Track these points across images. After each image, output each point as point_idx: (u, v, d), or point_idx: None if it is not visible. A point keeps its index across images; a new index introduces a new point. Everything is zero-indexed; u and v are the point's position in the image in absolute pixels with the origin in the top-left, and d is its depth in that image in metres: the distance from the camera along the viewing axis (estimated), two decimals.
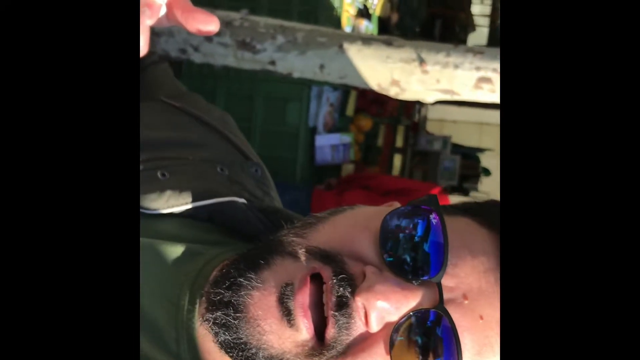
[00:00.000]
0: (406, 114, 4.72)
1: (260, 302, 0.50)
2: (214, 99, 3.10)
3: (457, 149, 6.13)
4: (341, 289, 0.50)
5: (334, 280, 0.50)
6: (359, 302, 0.49)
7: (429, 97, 2.36)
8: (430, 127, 6.73)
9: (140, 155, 0.66)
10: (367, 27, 3.45)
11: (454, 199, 6.86)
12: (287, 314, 0.49)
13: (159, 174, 0.65)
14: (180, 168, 0.67)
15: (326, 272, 0.51)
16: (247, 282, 0.51)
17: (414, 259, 0.51)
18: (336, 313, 0.49)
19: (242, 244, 0.66)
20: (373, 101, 3.54)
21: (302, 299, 0.49)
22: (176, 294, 0.58)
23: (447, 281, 0.50)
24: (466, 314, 0.50)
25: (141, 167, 0.65)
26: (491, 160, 6.60)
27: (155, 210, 0.63)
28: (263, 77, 2.61)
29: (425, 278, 0.50)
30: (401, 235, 0.52)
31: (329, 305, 0.49)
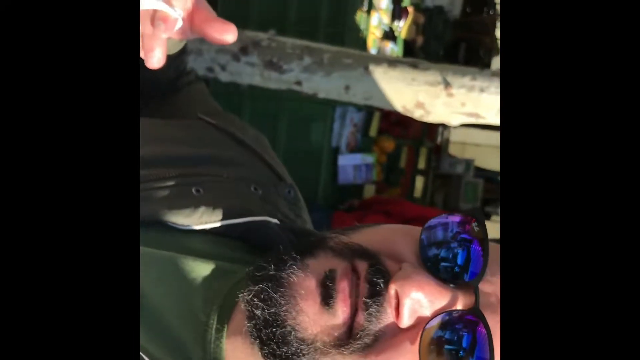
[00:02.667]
0: (429, 136, 4.71)
1: (303, 282, 0.50)
2: (239, 117, 3.13)
3: (480, 172, 6.08)
4: (374, 278, 0.50)
5: (369, 271, 0.50)
6: (392, 289, 0.49)
7: (453, 120, 2.36)
8: (453, 150, 6.70)
9: (176, 171, 0.66)
10: (393, 49, 3.47)
11: None
12: (327, 297, 0.49)
13: (193, 190, 0.65)
14: (214, 185, 0.67)
15: (362, 266, 0.51)
16: (292, 261, 0.52)
17: (452, 262, 0.51)
18: (368, 300, 0.49)
19: None
20: (396, 123, 3.55)
21: (344, 285, 0.49)
22: (205, 313, 0.58)
23: (484, 286, 0.50)
24: (500, 320, 0.48)
25: (174, 182, 0.65)
26: None
27: (187, 226, 0.63)
28: (288, 97, 2.64)
29: (463, 280, 0.50)
30: (441, 240, 0.52)
31: (362, 293, 0.49)
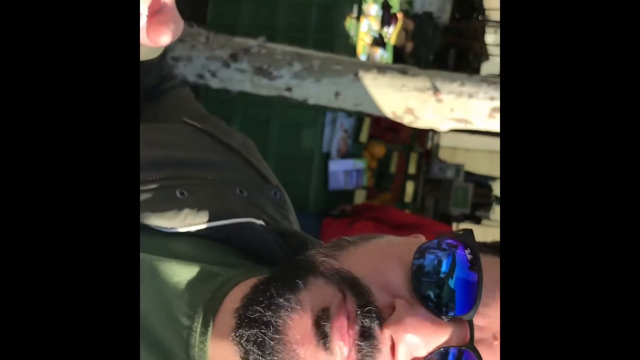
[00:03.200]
0: (419, 141, 4.73)
1: (299, 325, 0.50)
2: (230, 124, 3.13)
3: (470, 176, 6.12)
4: (367, 320, 0.49)
5: (359, 312, 0.49)
6: (387, 333, 0.49)
7: (443, 126, 2.38)
8: (443, 155, 6.73)
9: (159, 174, 0.66)
10: (382, 55, 3.49)
11: (466, 227, 6.81)
12: (323, 337, 0.49)
13: (177, 193, 0.65)
14: (199, 188, 0.67)
15: (351, 303, 0.50)
16: (286, 303, 0.51)
17: (446, 295, 0.50)
18: (360, 343, 0.49)
19: (258, 266, 0.65)
20: (386, 128, 3.57)
21: (340, 323, 0.49)
22: (189, 316, 0.57)
23: (478, 320, 0.49)
24: (495, 354, 0.49)
25: (159, 185, 0.65)
26: None
27: (171, 229, 0.63)
28: (278, 103, 2.65)
29: (456, 315, 0.49)
30: (434, 270, 0.51)
31: (352, 336, 0.49)
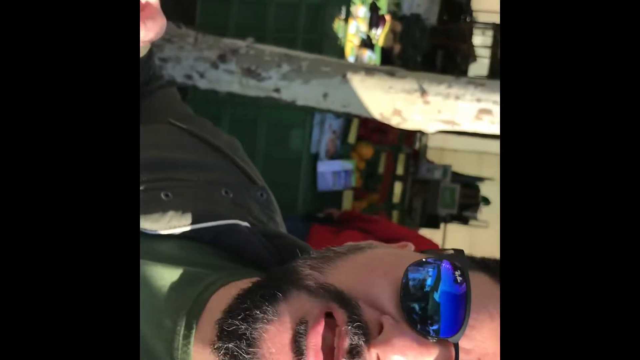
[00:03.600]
0: (407, 142, 4.76)
1: (275, 338, 0.49)
2: (218, 124, 3.12)
3: (457, 177, 6.15)
4: (356, 337, 0.48)
5: (349, 327, 0.49)
6: (373, 353, 0.48)
7: (430, 127, 2.40)
8: (431, 156, 6.76)
9: (144, 176, 0.65)
10: (370, 57, 3.50)
11: (454, 228, 6.83)
12: (299, 354, 0.49)
13: (162, 195, 0.65)
14: (184, 189, 0.67)
15: (341, 316, 0.50)
16: (262, 314, 0.50)
17: (432, 315, 0.50)
18: None
19: (244, 268, 0.65)
20: (375, 129, 3.58)
21: (315, 340, 0.48)
22: (173, 319, 0.57)
23: (464, 343, 0.49)
24: None
25: (144, 187, 0.65)
26: (491, 189, 6.62)
27: (156, 231, 0.63)
28: (267, 104, 2.65)
29: (442, 337, 0.49)
30: (423, 289, 0.51)
31: (341, 351, 0.48)
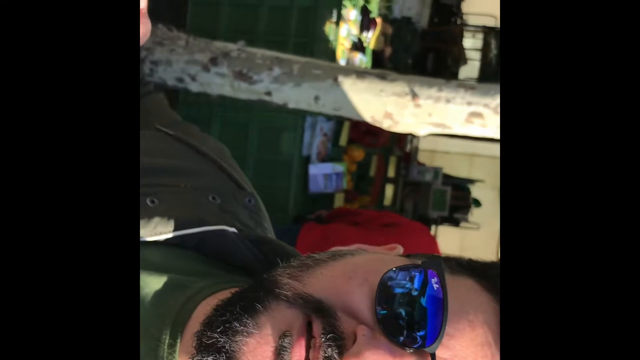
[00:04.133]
0: (398, 145, 4.77)
1: (256, 351, 0.48)
2: (210, 127, 3.13)
3: (448, 179, 6.17)
4: (329, 349, 0.47)
5: (323, 339, 0.48)
6: None
7: (421, 130, 2.41)
8: (422, 158, 6.78)
9: None
10: (361, 60, 3.51)
11: (445, 230, 6.85)
12: None
13: (148, 201, 0.64)
14: (170, 195, 0.67)
15: (317, 327, 0.49)
16: (242, 327, 0.49)
17: (409, 324, 0.48)
18: None
19: (231, 275, 0.64)
20: (366, 132, 3.59)
21: (300, 354, 0.48)
22: (158, 328, 0.56)
23: (442, 352, 0.48)
24: None
25: None
26: (481, 192, 6.65)
27: (141, 237, 0.62)
28: (258, 107, 2.65)
29: (419, 347, 0.48)
30: (399, 297, 0.49)
31: (306, 352, 0.47)
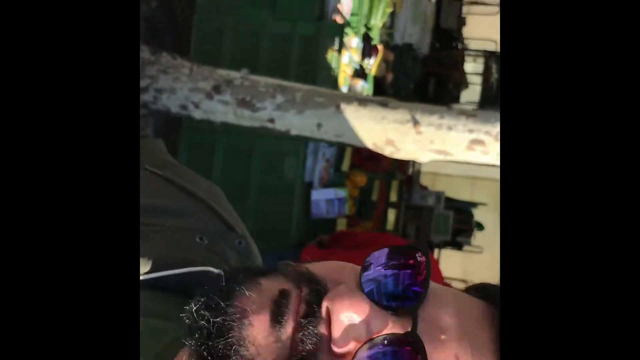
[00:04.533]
0: (400, 169, 4.78)
1: (256, 298, 0.48)
2: (212, 153, 3.15)
3: (451, 202, 6.17)
4: (312, 298, 0.48)
5: (308, 293, 0.48)
6: (324, 306, 0.47)
7: (423, 157, 2.42)
8: (424, 181, 6.79)
9: None
10: (363, 86, 3.54)
11: (448, 253, 6.82)
12: (280, 315, 0.47)
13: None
14: (154, 235, 0.65)
15: (305, 290, 0.49)
16: (245, 275, 0.50)
17: (393, 288, 0.49)
18: (302, 320, 0.47)
19: None
20: (368, 157, 3.61)
21: (298, 302, 0.48)
22: None
23: (425, 312, 0.47)
24: (438, 349, 0.46)
25: None
26: (484, 215, 6.64)
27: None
28: (261, 133, 2.67)
29: (401, 305, 0.48)
30: (381, 265, 0.50)
31: (298, 314, 0.47)
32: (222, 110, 2.62)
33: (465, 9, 7.66)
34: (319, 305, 0.47)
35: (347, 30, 3.28)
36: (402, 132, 2.33)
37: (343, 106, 2.44)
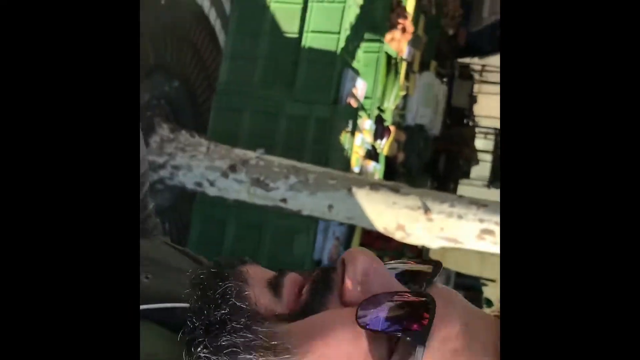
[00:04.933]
0: (411, 249, 4.78)
1: (253, 269, 0.49)
2: (224, 228, 3.18)
3: (460, 278, 6.11)
4: (328, 268, 0.48)
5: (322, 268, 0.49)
6: (341, 259, 0.47)
7: (433, 244, 2.44)
8: (433, 255, 6.75)
9: None
10: (375, 167, 3.60)
11: None
12: (277, 286, 0.48)
13: (143, 277, 0.63)
14: (165, 273, 0.65)
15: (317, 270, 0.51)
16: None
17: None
18: (316, 279, 0.47)
19: None
20: (378, 237, 3.62)
21: (294, 277, 0.48)
22: None
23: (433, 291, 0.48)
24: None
25: None
26: (493, 291, 6.54)
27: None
28: (272, 210, 2.71)
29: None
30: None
31: (311, 277, 0.48)
32: (236, 189, 2.67)
33: (476, 87, 7.84)
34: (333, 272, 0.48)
35: (361, 113, 3.37)
36: (412, 218, 2.36)
37: (355, 189, 2.49)
